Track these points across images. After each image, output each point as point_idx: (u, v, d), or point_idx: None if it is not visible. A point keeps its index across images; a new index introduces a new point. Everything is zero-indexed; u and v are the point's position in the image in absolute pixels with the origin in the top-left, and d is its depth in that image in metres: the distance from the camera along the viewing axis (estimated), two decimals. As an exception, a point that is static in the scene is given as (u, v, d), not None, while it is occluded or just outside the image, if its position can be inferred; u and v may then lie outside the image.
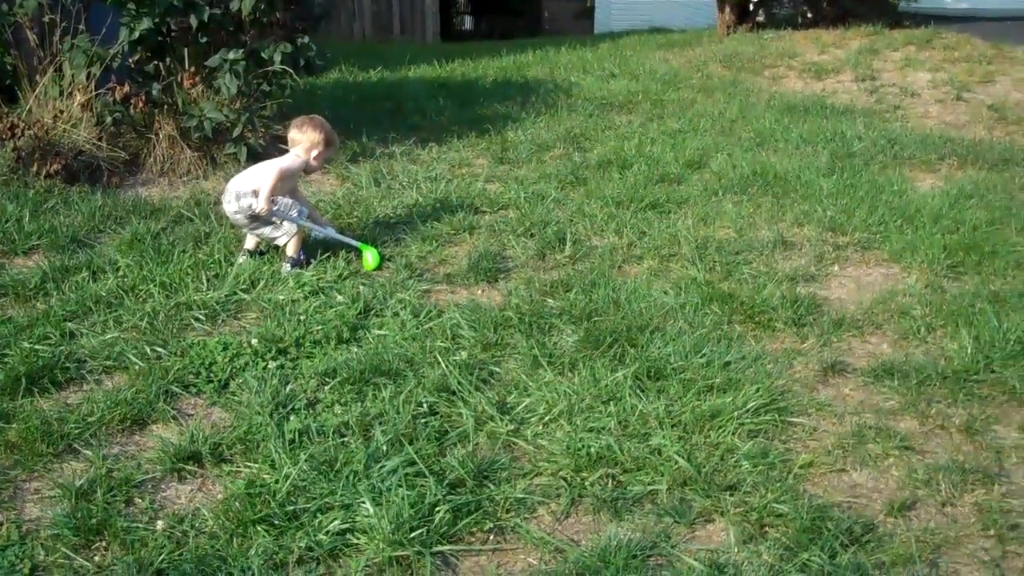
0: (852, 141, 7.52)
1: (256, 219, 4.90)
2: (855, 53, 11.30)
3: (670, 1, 18.93)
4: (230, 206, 4.89)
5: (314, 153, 4.97)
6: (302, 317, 4.27)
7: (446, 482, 3.10)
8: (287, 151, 5.02)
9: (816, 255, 5.19)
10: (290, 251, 4.94)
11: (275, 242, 4.98)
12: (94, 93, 6.30)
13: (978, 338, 4.13)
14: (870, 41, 11.81)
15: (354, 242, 5.06)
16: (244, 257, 5.02)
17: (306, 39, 6.91)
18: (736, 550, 2.87)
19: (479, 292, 4.74)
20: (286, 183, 4.96)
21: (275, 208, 4.84)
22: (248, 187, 4.86)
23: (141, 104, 6.38)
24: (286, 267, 4.88)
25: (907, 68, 10.67)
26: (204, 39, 6.58)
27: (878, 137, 7.66)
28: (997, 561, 2.84)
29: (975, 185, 6.38)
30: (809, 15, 13.62)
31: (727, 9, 14.05)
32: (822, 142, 7.50)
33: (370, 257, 4.94)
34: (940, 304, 4.54)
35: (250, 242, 5.08)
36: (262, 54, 6.64)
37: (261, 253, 5.06)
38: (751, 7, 14.18)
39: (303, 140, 4.96)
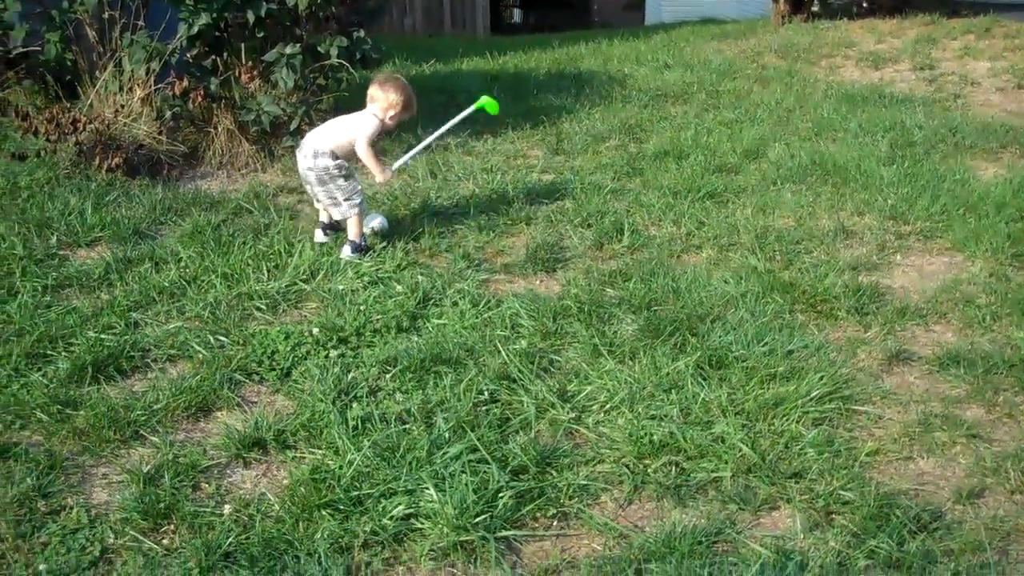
0: (912, 130, 7.42)
1: (324, 183, 4.94)
2: (912, 42, 11.17)
3: (722, -8, 18.79)
4: (305, 161, 4.94)
5: (390, 114, 4.93)
6: (362, 307, 4.30)
7: (509, 468, 3.10)
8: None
9: (878, 244, 5.13)
10: (351, 234, 4.96)
11: (333, 214, 5.03)
12: (153, 88, 6.38)
13: (1046, 326, 4.06)
14: (928, 30, 11.67)
15: (466, 112, 5.25)
16: (320, 233, 5.15)
17: (361, 33, 6.96)
18: (802, 536, 2.84)
19: (537, 282, 4.74)
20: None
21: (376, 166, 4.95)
22: (326, 146, 4.90)
23: (199, 98, 6.45)
24: (346, 250, 4.91)
25: (966, 57, 10.53)
26: (261, 34, 6.64)
27: (938, 126, 7.56)
28: (1070, 550, 2.79)
29: (1039, 173, 6.27)
30: (865, 4, 13.48)
31: (781, -1, 13.94)
32: (881, 131, 7.41)
33: (486, 101, 5.18)
34: (1005, 293, 4.47)
35: (324, 215, 5.16)
36: (318, 48, 6.69)
37: (336, 228, 5.13)
38: (806, -3, 14.06)
39: (381, 99, 4.93)
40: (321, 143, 4.91)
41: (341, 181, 4.92)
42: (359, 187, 4.99)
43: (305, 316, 4.32)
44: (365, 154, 4.88)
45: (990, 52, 10.59)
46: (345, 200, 4.93)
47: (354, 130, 4.91)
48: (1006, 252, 4.92)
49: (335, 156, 4.89)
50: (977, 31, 11.46)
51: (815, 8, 13.97)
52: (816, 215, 5.58)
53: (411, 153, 5.22)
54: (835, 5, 14.16)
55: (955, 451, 3.30)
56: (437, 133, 5.29)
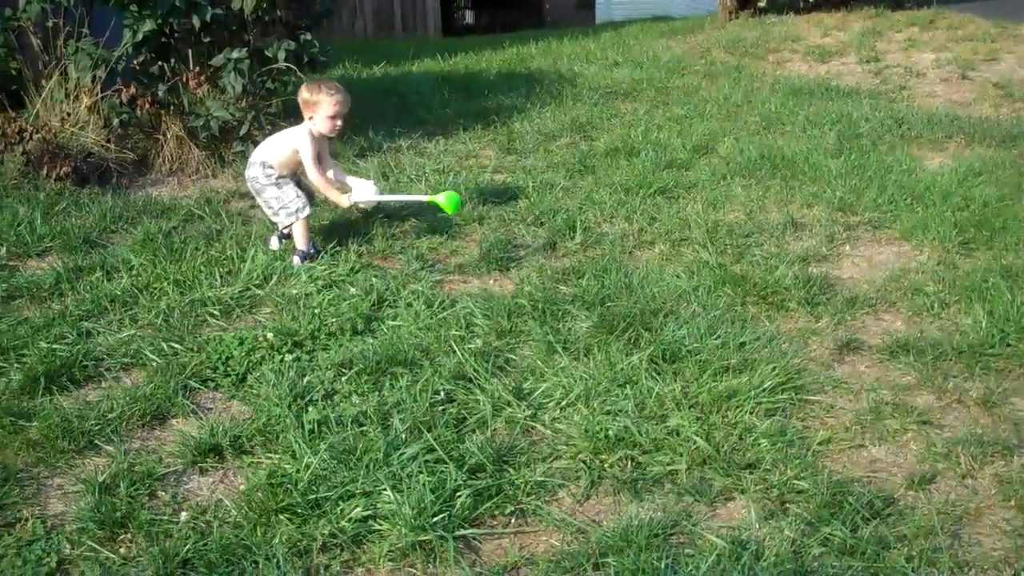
0: (859, 122, 7.52)
1: (258, 193, 5.00)
2: (858, 35, 11.30)
3: (670, -11, 18.93)
4: (248, 171, 5.00)
5: (328, 113, 4.83)
6: (316, 310, 4.29)
7: (466, 467, 3.11)
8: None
9: (827, 235, 5.19)
10: (299, 243, 4.95)
11: (277, 223, 5.06)
12: (100, 96, 6.33)
13: (992, 312, 4.13)
14: (873, 23, 11.81)
15: (419, 198, 5.18)
16: (274, 239, 5.16)
17: (309, 36, 6.93)
18: (758, 526, 2.88)
19: (491, 281, 4.75)
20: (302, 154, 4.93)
21: (284, 190, 4.93)
22: (258, 157, 4.96)
23: (147, 105, 6.41)
24: (296, 260, 4.89)
25: (911, 49, 10.67)
26: (207, 39, 6.60)
27: (885, 117, 7.66)
28: (1019, 531, 2.84)
29: (983, 162, 6.38)
30: (810, -1, 13.60)
31: (728, -5, 14.04)
32: (828, 124, 7.50)
33: (444, 200, 4.99)
34: (953, 280, 4.54)
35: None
36: (266, 52, 6.66)
37: (288, 236, 5.10)
38: (753, -8, 14.17)
39: (311, 103, 4.87)
40: (255, 154, 4.97)
41: (273, 190, 4.92)
42: (295, 194, 4.94)
43: (259, 321, 4.31)
44: (317, 180, 4.92)
45: (934, 44, 10.74)
46: (281, 209, 4.93)
47: (293, 144, 4.92)
48: (953, 240, 4.99)
49: (265, 166, 4.93)
50: (921, 23, 11.61)
51: (762, 3, 14.06)
52: (766, 208, 5.64)
53: (375, 198, 5.13)
54: (781, 0, 14.29)
55: (906, 438, 3.35)
56: (402, 198, 5.29)
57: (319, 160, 4.95)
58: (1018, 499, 2.97)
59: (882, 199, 5.63)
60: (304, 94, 4.89)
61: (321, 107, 4.83)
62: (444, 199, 4.98)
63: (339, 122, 4.91)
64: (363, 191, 5.04)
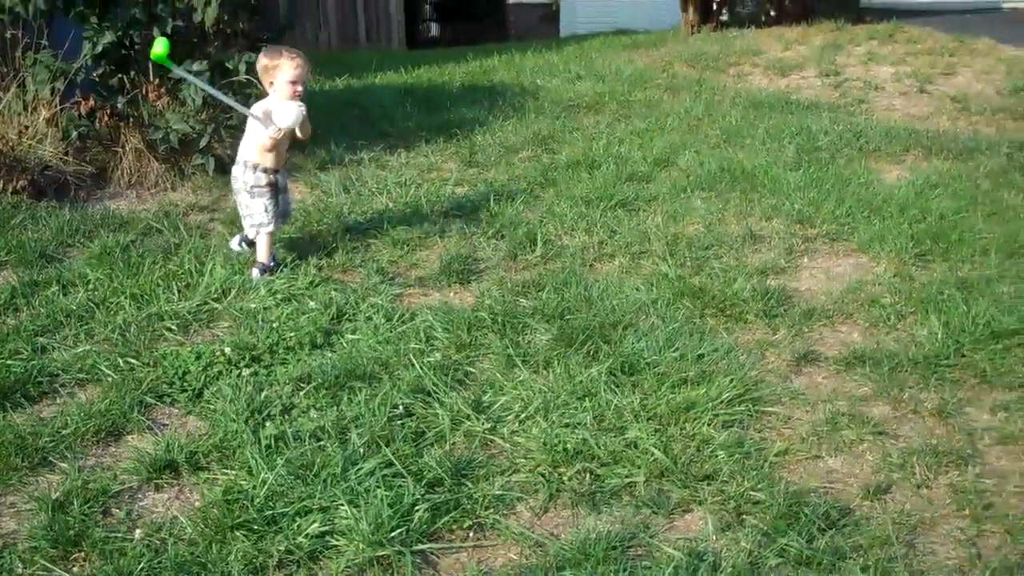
0: (818, 135, 7.57)
1: (235, 192, 4.96)
2: (818, 49, 11.41)
3: (634, 2, 18.99)
4: (233, 168, 4.96)
5: (288, 77, 4.63)
6: (275, 324, 4.26)
7: (424, 482, 3.10)
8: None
9: (785, 248, 5.23)
10: (260, 255, 4.92)
11: (245, 223, 4.98)
12: (59, 108, 6.27)
13: (948, 324, 4.17)
14: (833, 37, 11.93)
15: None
16: (235, 240, 5.16)
17: (270, 49, 6.89)
18: (715, 538, 2.89)
19: (451, 294, 4.75)
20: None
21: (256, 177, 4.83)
22: (240, 155, 4.88)
23: (106, 117, 6.36)
24: (255, 272, 4.85)
25: (870, 62, 10.78)
26: (168, 51, 6.55)
27: (843, 131, 7.72)
28: (972, 540, 2.87)
29: (940, 175, 6.45)
30: (772, 13, 13.70)
31: (691, 9, 14.13)
32: (788, 137, 7.55)
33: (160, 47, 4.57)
34: (909, 292, 4.59)
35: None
36: (227, 64, 6.62)
37: (252, 244, 5.06)
38: (715, 6, 14.27)
39: (271, 69, 4.69)
40: (239, 151, 4.92)
41: (245, 197, 4.88)
42: (262, 209, 4.86)
43: (217, 335, 4.28)
44: (269, 137, 4.69)
45: (893, 57, 10.86)
46: (247, 216, 4.93)
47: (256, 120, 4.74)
48: (910, 252, 5.04)
49: (247, 165, 4.84)
50: (880, 37, 11.74)
51: (724, 17, 14.20)
52: (725, 221, 5.67)
53: (206, 88, 5.06)
54: (743, 14, 14.42)
55: (862, 448, 3.37)
56: (222, 97, 5.04)
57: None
58: (972, 509, 3.00)
59: (840, 211, 5.68)
60: (263, 60, 4.73)
61: (281, 70, 4.63)
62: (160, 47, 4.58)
63: (300, 87, 4.68)
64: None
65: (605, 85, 10.03)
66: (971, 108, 8.73)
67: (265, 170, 4.84)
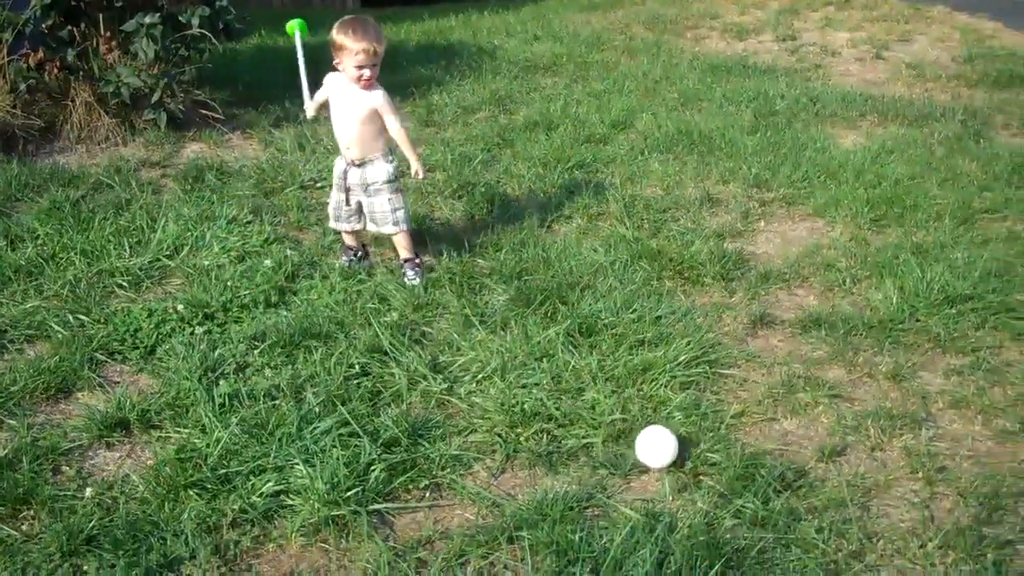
0: (775, 100, 7.58)
1: (379, 193, 4.30)
2: (775, 13, 11.43)
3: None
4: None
5: (338, 60, 4.11)
6: (229, 282, 4.20)
7: (380, 441, 3.08)
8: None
9: (742, 211, 5.24)
10: (406, 251, 4.39)
11: (383, 230, 4.35)
12: (7, 60, 6.12)
13: (902, 288, 4.20)
14: (790, 2, 11.96)
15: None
16: (346, 259, 4.52)
17: (224, 3, 6.76)
18: (671, 498, 2.90)
19: (408, 254, 4.70)
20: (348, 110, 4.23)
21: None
22: (370, 152, 4.28)
23: (56, 70, 6.23)
24: (412, 274, 4.35)
25: (827, 28, 10.82)
26: (119, 3, 6.40)
27: (800, 95, 7.74)
28: (926, 502, 2.90)
29: (895, 141, 6.49)
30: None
31: (649, -29, 14.05)
32: (745, 101, 7.55)
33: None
34: (864, 256, 4.61)
35: (350, 239, 4.54)
36: (180, 18, 6.49)
37: (361, 257, 4.56)
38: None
39: (332, 49, 4.12)
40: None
41: (386, 193, 4.34)
42: (406, 203, 4.43)
43: (169, 293, 4.22)
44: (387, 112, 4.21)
45: (849, 23, 10.90)
46: (387, 213, 4.33)
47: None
48: (865, 217, 5.07)
49: (385, 158, 4.32)
50: (837, 3, 11.79)
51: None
52: (683, 184, 5.67)
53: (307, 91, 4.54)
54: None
55: (817, 411, 3.39)
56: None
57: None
58: (925, 471, 3.02)
59: (796, 176, 5.70)
60: (332, 34, 4.08)
61: (347, 53, 4.04)
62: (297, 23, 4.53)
63: (366, 72, 4.07)
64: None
65: (563, 46, 9.97)
66: (926, 74, 8.78)
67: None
